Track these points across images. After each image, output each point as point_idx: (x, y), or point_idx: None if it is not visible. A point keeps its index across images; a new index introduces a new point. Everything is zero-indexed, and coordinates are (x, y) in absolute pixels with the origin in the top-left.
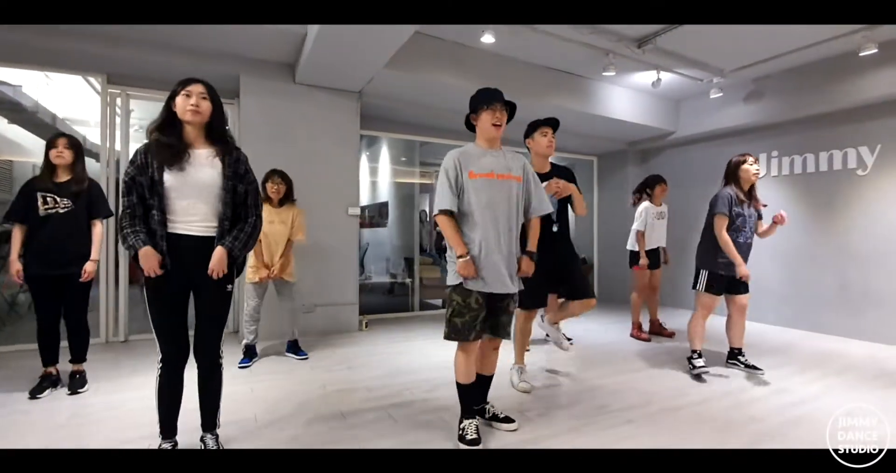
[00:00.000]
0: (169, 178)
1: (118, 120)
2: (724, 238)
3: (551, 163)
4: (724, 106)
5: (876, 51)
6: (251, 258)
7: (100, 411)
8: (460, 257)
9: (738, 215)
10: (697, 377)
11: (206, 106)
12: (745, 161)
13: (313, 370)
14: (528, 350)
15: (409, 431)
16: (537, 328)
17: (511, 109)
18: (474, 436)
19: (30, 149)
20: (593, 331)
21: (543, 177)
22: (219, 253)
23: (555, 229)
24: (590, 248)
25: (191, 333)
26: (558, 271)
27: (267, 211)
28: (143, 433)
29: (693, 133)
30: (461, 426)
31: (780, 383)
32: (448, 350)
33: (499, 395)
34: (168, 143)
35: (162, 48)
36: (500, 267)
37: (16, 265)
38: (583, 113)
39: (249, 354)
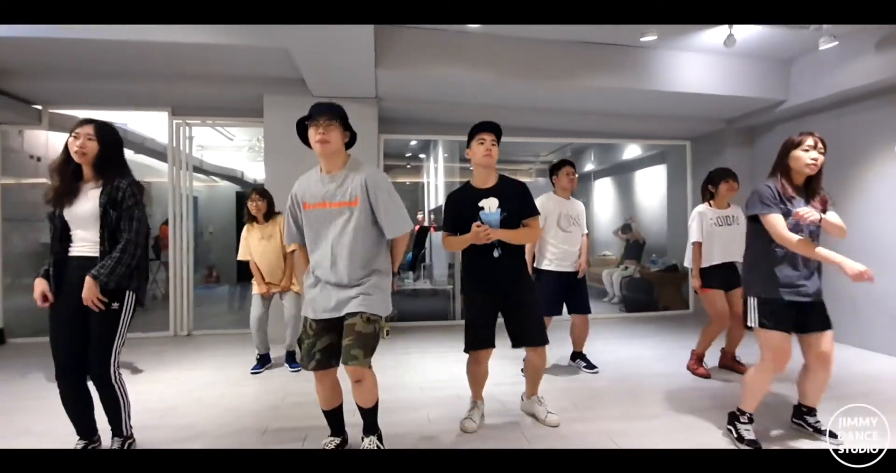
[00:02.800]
0: (64, 212)
1: (183, 144)
2: (789, 238)
3: (500, 175)
4: (848, 60)
5: None
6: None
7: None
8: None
9: (788, 214)
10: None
11: (91, 146)
12: (798, 144)
13: (295, 380)
14: None
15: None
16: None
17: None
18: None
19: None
20: (645, 358)
21: (485, 193)
22: (87, 283)
23: (496, 254)
24: (683, 252)
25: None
26: (503, 303)
27: (256, 230)
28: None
29: (810, 100)
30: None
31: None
32: (447, 367)
33: (431, 430)
34: (55, 188)
35: (201, 79)
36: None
37: None
38: (638, 91)
39: (262, 361)
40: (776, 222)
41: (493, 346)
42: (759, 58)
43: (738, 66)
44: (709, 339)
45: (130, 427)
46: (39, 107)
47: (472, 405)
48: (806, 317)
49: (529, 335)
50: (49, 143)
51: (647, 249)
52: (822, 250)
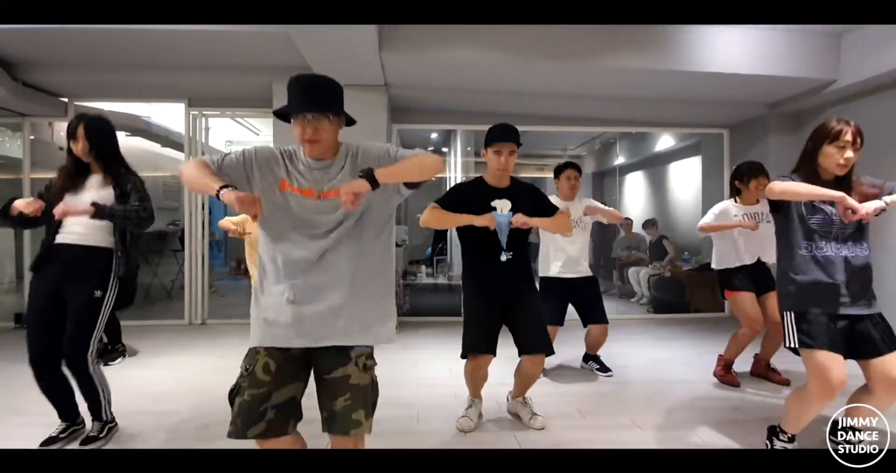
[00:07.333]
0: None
1: (200, 135)
2: (779, 185)
3: (512, 178)
4: None
5: None
6: None
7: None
8: None
9: (816, 213)
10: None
11: (84, 144)
12: (834, 138)
13: None
14: None
15: None
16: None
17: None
18: None
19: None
20: (669, 362)
21: (499, 193)
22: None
23: (503, 258)
24: None
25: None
26: (507, 310)
27: None
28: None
29: (864, 79)
30: None
31: None
32: (447, 364)
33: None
34: (57, 182)
35: (214, 69)
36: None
37: None
38: (668, 71)
39: None
40: (781, 181)
41: (494, 354)
42: (804, 32)
43: (780, 41)
44: (740, 346)
45: (111, 412)
46: (65, 99)
47: (470, 403)
48: (859, 335)
49: (533, 343)
50: None
51: (679, 247)
52: (814, 189)
